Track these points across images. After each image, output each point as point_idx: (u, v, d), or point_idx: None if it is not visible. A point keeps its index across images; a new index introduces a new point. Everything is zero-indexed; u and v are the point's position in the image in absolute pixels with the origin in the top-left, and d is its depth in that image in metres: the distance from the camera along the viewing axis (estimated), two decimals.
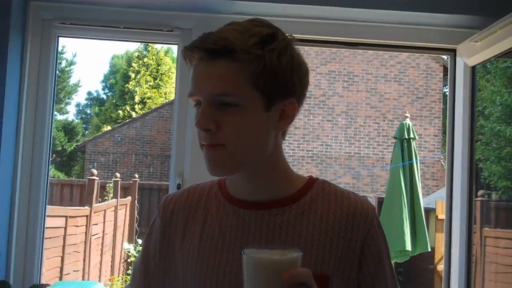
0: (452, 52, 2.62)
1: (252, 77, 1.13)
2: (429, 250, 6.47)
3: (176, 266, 1.27)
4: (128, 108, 23.98)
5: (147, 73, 24.10)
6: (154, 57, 24.18)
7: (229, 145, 1.15)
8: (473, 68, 2.55)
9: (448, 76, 2.67)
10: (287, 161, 1.29)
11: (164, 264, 1.30)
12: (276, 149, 1.24)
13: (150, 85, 24.12)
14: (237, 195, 1.26)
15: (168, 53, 25.28)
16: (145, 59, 24.18)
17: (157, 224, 1.34)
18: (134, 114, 22.61)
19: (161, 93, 24.07)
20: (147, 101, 23.75)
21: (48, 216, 2.59)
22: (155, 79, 24.18)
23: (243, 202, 1.25)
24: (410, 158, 6.43)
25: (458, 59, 2.59)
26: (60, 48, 24.17)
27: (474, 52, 2.46)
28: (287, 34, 1.23)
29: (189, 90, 1.18)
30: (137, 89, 23.86)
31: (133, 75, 24.24)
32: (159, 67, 24.26)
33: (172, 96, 22.43)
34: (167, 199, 1.37)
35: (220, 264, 1.20)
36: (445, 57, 3.02)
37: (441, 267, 8.17)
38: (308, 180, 1.29)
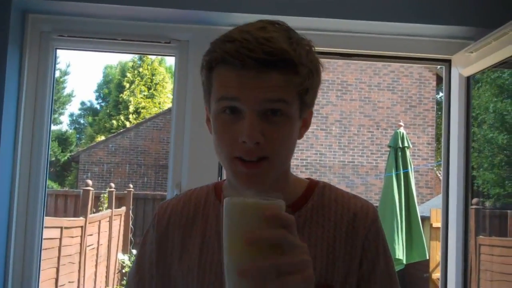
0: (447, 63, 2.64)
1: (300, 88, 1.11)
2: (427, 257, 6.49)
3: (175, 280, 1.23)
4: (122, 118, 23.96)
5: (142, 83, 24.10)
6: (148, 67, 24.20)
7: (272, 157, 1.11)
8: (468, 78, 2.58)
9: (444, 87, 2.70)
10: None
11: (161, 277, 1.25)
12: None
13: (144, 95, 24.12)
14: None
15: (162, 63, 25.29)
16: (140, 69, 24.19)
17: (152, 235, 1.30)
18: (128, 124, 22.59)
19: (155, 102, 24.06)
20: (142, 111, 23.74)
21: (43, 227, 2.59)
22: (149, 89, 24.19)
23: None
24: (405, 167, 6.45)
25: (453, 69, 2.62)
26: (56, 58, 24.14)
27: (469, 63, 2.49)
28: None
29: (224, 94, 1.10)
30: (131, 98, 23.86)
31: (127, 85, 24.24)
32: (154, 77, 24.26)
33: (166, 106, 22.45)
34: (162, 208, 1.32)
35: (222, 279, 1.12)
36: (438, 66, 3.05)
37: (436, 275, 8.19)
38: (309, 185, 1.27)
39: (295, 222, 0.94)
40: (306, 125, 1.21)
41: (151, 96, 24.11)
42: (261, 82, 1.07)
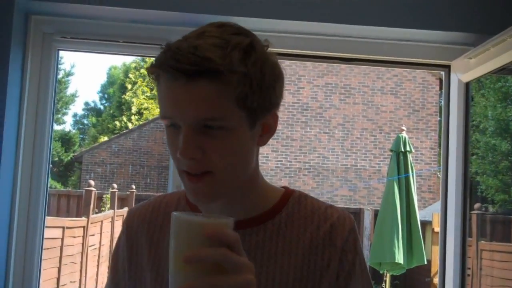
0: (447, 68, 2.65)
1: (237, 97, 1.03)
2: (426, 263, 6.50)
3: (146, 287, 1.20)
4: (125, 119, 24.00)
5: (144, 83, 24.15)
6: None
7: (217, 171, 1.06)
8: (467, 84, 2.59)
9: (443, 92, 2.71)
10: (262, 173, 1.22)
11: (133, 284, 1.23)
12: (256, 167, 1.17)
13: (147, 96, 24.16)
14: (207, 212, 1.16)
15: None
16: (142, 70, 24.24)
17: (123, 241, 1.26)
18: (130, 125, 22.63)
19: (157, 104, 24.10)
20: (144, 112, 23.78)
21: (45, 227, 2.61)
22: (152, 90, 24.24)
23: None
24: (407, 171, 6.47)
25: (452, 75, 2.63)
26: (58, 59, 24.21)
27: (468, 69, 2.50)
28: (259, 37, 1.12)
29: (163, 112, 1.07)
30: (133, 100, 23.90)
31: (129, 86, 24.29)
32: None
33: None
34: (131, 214, 1.28)
35: None
36: (438, 71, 3.08)
37: (437, 279, 8.17)
38: (283, 194, 1.21)
39: (239, 241, 0.92)
40: (269, 130, 1.13)
41: (154, 97, 24.16)
42: (191, 95, 1.02)
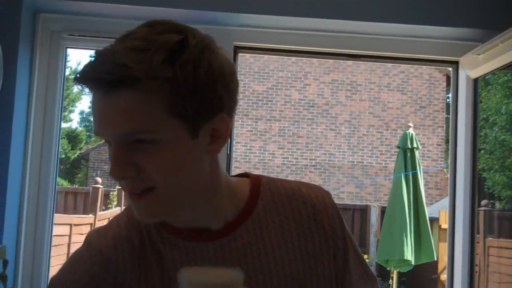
0: (455, 65, 2.65)
1: (166, 105, 0.93)
2: (435, 259, 6.48)
3: None
4: None
5: None
6: None
7: (160, 186, 0.96)
8: (476, 80, 2.58)
9: (451, 88, 2.71)
10: (226, 173, 1.13)
11: None
12: (215, 172, 1.06)
13: None
14: (181, 224, 1.08)
15: None
16: None
17: (84, 265, 1.07)
18: None
19: None
20: None
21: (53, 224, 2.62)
22: None
23: (193, 232, 1.07)
24: (414, 168, 6.46)
25: (460, 71, 2.62)
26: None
27: (476, 65, 2.49)
28: (199, 33, 1.01)
29: (94, 128, 0.99)
30: None
31: None
32: None
33: None
34: (101, 238, 1.09)
35: None
36: (446, 67, 3.08)
37: (444, 276, 8.16)
38: (251, 185, 1.13)
39: None
40: (220, 135, 1.01)
41: None
42: (112, 108, 0.93)
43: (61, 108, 2.59)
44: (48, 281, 1.11)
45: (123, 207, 9.24)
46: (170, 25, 0.99)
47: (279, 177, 1.21)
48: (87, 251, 1.09)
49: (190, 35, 0.97)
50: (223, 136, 1.02)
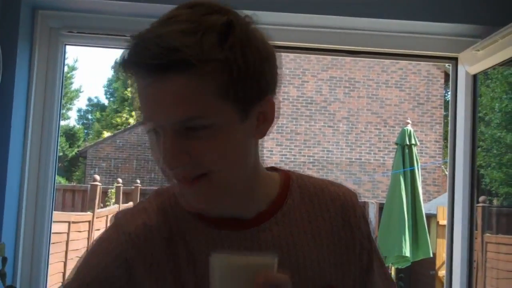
0: (454, 61, 2.65)
1: (218, 89, 0.91)
2: (431, 255, 6.50)
3: None
4: (125, 114, 23.98)
5: None
6: None
7: (211, 172, 0.94)
8: (475, 76, 2.58)
9: (450, 84, 2.71)
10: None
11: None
12: (257, 157, 1.05)
13: None
14: (214, 213, 1.05)
15: None
16: None
17: (111, 250, 1.05)
18: (132, 121, 22.60)
19: None
20: None
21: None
22: None
23: (223, 220, 1.05)
24: (412, 164, 6.47)
25: (459, 67, 2.62)
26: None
27: (475, 61, 2.50)
28: (239, 13, 0.98)
29: (141, 117, 0.95)
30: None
31: (130, 82, 24.23)
32: None
33: None
34: (129, 220, 1.08)
35: None
36: (445, 64, 3.08)
37: (442, 272, 8.18)
38: (282, 180, 1.12)
39: (289, 281, 0.85)
40: (266, 119, 1.01)
41: None
42: (165, 94, 0.90)
43: (60, 105, 2.58)
44: (77, 266, 1.07)
45: (121, 205, 9.23)
46: (209, 5, 0.95)
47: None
48: (116, 235, 1.06)
49: (233, 16, 0.95)
50: (269, 119, 1.01)
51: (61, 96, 2.58)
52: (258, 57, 0.95)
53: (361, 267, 1.12)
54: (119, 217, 1.10)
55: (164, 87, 0.89)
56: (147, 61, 0.88)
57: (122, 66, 0.92)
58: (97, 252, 1.06)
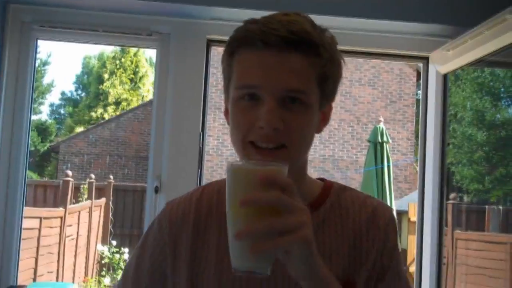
0: (425, 60, 2.68)
1: (320, 76, 1.08)
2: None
3: (181, 284, 1.17)
4: (100, 109, 23.76)
5: (124, 74, 23.88)
6: (131, 58, 23.97)
7: (290, 146, 1.07)
8: (445, 75, 2.62)
9: (421, 84, 2.74)
10: None
11: (162, 283, 1.20)
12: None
13: (126, 87, 23.91)
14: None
15: (142, 55, 25.09)
16: (122, 60, 23.95)
17: (157, 233, 1.23)
18: (106, 116, 22.41)
19: (138, 95, 23.90)
20: (123, 102, 23.55)
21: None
22: (131, 81, 24.00)
23: None
24: (383, 162, 6.52)
25: (430, 66, 2.66)
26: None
27: (446, 61, 2.53)
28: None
29: (243, 82, 1.08)
30: (110, 90, 23.64)
31: (106, 76, 24.02)
32: (137, 69, 24.06)
33: (148, 98, 22.32)
34: (173, 207, 1.24)
35: (241, 278, 1.11)
36: (416, 63, 3.11)
37: (413, 268, 8.28)
38: (324, 185, 1.23)
39: (292, 185, 0.92)
40: (325, 118, 1.18)
41: (136, 88, 23.93)
42: (283, 64, 1.04)
43: (31, 100, 2.56)
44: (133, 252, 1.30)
45: (94, 201, 9.16)
46: (306, 14, 1.13)
47: None
48: (159, 223, 1.23)
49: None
50: (327, 119, 1.19)
51: (32, 91, 2.56)
52: (341, 67, 1.15)
53: (378, 267, 1.15)
54: (168, 204, 1.26)
55: (286, 59, 1.04)
56: (283, 34, 1.03)
57: (250, 34, 1.06)
58: (147, 235, 1.25)
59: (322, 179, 1.28)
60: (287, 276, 1.01)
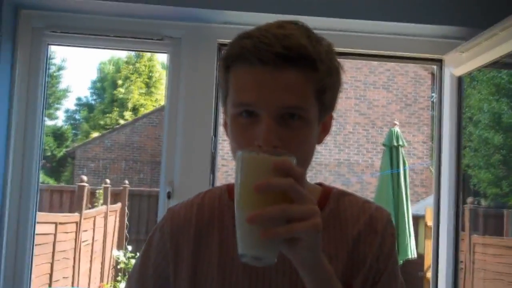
0: (439, 62, 2.65)
1: (318, 90, 1.06)
2: (413, 256, 6.49)
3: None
4: (116, 115, 23.89)
5: (139, 79, 24.01)
6: (146, 63, 24.11)
7: None
8: (460, 78, 2.59)
9: (436, 86, 2.71)
10: None
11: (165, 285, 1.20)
12: None
13: (142, 92, 24.05)
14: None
15: (159, 59, 25.24)
16: (137, 65, 24.09)
17: (159, 240, 1.23)
18: (122, 121, 22.53)
19: (153, 100, 24.03)
20: (140, 108, 23.68)
21: (38, 222, 2.59)
22: (147, 85, 24.13)
23: None
24: (399, 165, 6.48)
25: (445, 69, 2.63)
26: (49, 54, 24.10)
27: (460, 63, 2.50)
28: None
29: (240, 99, 1.06)
30: (128, 96, 23.76)
31: (121, 82, 24.16)
32: (151, 74, 24.20)
33: (162, 102, 22.40)
34: (174, 213, 1.25)
35: (244, 281, 1.13)
36: (431, 65, 3.08)
37: (430, 274, 8.20)
38: (323, 191, 1.24)
39: (304, 175, 0.93)
40: (326, 129, 1.17)
41: (150, 93, 24.06)
42: (279, 81, 1.02)
43: (44, 105, 2.56)
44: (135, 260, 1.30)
45: (109, 206, 9.19)
46: (302, 23, 1.11)
47: None
48: (162, 227, 1.24)
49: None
50: (327, 129, 1.18)
51: (45, 96, 2.56)
52: (340, 76, 1.13)
53: (374, 270, 1.16)
54: (170, 210, 1.27)
55: (282, 75, 1.02)
56: (277, 50, 1.00)
57: (245, 51, 1.03)
58: (150, 242, 1.25)
59: (320, 184, 1.28)
60: (287, 276, 1.05)
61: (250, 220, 0.90)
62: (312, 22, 2.44)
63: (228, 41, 2.57)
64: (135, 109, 23.79)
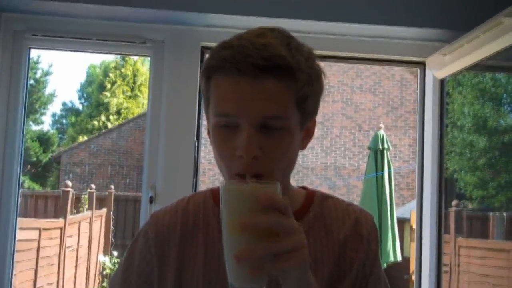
0: (422, 65, 2.66)
1: (299, 98, 1.06)
2: (394, 259, 6.51)
3: None
4: (103, 118, 23.81)
5: (124, 83, 23.95)
6: (131, 67, 24.06)
7: (269, 174, 1.06)
8: (442, 80, 2.59)
9: (418, 89, 2.72)
10: None
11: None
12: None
13: (127, 95, 23.99)
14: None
15: (144, 62, 25.18)
16: (122, 69, 24.04)
17: (143, 245, 1.22)
18: (109, 125, 22.45)
19: (138, 103, 23.96)
20: (123, 111, 23.60)
21: (21, 228, 2.57)
22: (132, 89, 24.06)
23: None
24: (384, 169, 6.50)
25: (427, 71, 2.63)
26: (35, 58, 23.96)
27: (442, 65, 2.51)
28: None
29: (221, 109, 1.07)
30: (113, 99, 23.70)
31: (109, 86, 24.10)
32: (136, 78, 24.14)
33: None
34: (159, 218, 1.23)
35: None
36: (413, 68, 3.08)
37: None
38: (307, 195, 1.25)
39: (289, 205, 0.93)
40: (309, 134, 1.17)
41: (134, 97, 23.99)
42: (258, 91, 1.03)
43: (25, 109, 2.54)
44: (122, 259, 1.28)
45: (94, 211, 9.13)
46: (285, 30, 1.12)
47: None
48: (145, 233, 1.22)
49: (309, 46, 1.13)
50: (311, 134, 1.18)
51: (25, 101, 2.54)
52: (321, 82, 1.13)
53: (363, 274, 1.19)
54: (154, 215, 1.26)
55: (261, 85, 1.02)
56: (255, 61, 1.01)
57: (224, 62, 1.04)
58: (133, 247, 1.24)
59: (303, 187, 1.28)
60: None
61: (237, 260, 0.91)
62: (296, 25, 2.47)
63: (212, 44, 2.57)
64: (118, 113, 23.70)
